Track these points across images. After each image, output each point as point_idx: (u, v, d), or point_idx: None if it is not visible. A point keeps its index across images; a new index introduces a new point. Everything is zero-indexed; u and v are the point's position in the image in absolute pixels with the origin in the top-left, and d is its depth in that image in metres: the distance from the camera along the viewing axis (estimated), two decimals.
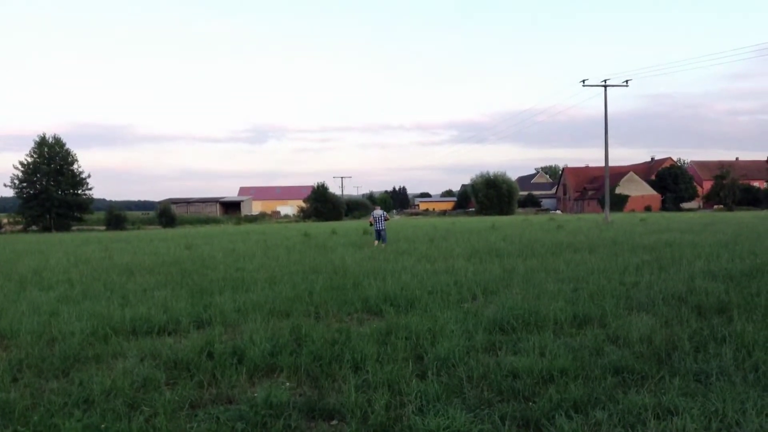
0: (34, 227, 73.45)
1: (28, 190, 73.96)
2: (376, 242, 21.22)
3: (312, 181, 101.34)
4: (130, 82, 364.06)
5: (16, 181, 74.22)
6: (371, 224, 22.28)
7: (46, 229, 71.92)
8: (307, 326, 7.43)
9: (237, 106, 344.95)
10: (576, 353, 6.00)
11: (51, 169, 74.03)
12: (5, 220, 75.48)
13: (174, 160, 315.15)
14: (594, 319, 7.54)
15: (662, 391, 4.94)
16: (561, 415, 4.47)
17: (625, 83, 46.34)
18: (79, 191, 77.01)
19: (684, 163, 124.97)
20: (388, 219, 22.27)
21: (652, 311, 7.99)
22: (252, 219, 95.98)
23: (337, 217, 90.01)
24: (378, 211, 21.92)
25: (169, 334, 7.66)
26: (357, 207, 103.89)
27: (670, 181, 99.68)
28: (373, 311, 8.78)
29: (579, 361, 5.73)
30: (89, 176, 77.86)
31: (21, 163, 73.90)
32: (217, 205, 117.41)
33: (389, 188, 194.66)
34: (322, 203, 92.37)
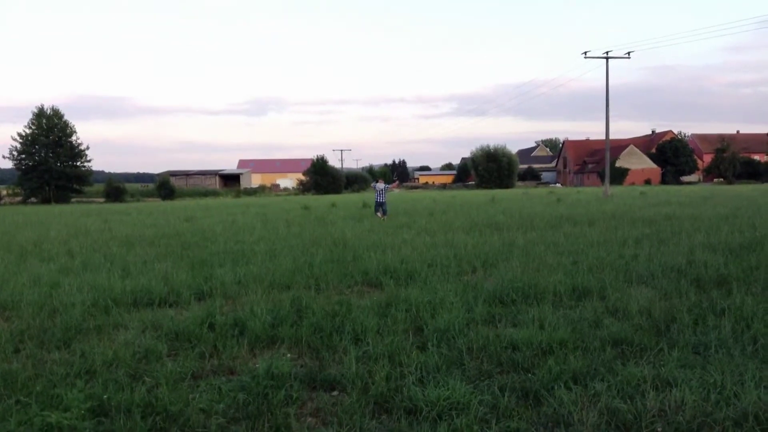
0: (33, 199, 73.45)
1: (26, 162, 73.80)
2: (378, 214, 21.23)
3: (311, 154, 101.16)
4: (129, 53, 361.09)
5: (15, 153, 74.03)
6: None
7: (46, 200, 71.89)
8: (308, 298, 7.46)
9: (236, 79, 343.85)
10: (575, 325, 6.03)
11: (50, 141, 73.78)
12: (4, 192, 75.54)
13: (173, 132, 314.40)
14: (593, 291, 7.56)
15: (661, 363, 4.97)
16: (560, 386, 4.50)
17: (626, 55, 45.88)
18: (78, 163, 76.85)
19: (685, 136, 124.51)
20: (391, 189, 22.46)
21: (652, 284, 8.02)
22: (251, 192, 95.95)
23: (337, 191, 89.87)
24: (380, 185, 22.03)
25: (170, 305, 7.68)
26: (356, 180, 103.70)
27: (671, 154, 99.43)
28: (373, 284, 8.80)
29: (578, 333, 5.76)
30: (88, 148, 77.73)
31: (19, 135, 73.64)
32: (217, 177, 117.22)
33: (389, 161, 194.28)
34: (321, 176, 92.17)
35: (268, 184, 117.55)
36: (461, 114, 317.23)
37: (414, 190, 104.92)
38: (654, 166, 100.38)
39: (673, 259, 9.69)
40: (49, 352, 5.77)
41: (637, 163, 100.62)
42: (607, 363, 5.01)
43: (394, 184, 23.66)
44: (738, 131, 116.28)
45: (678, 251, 10.65)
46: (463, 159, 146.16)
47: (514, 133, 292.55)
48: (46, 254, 13.06)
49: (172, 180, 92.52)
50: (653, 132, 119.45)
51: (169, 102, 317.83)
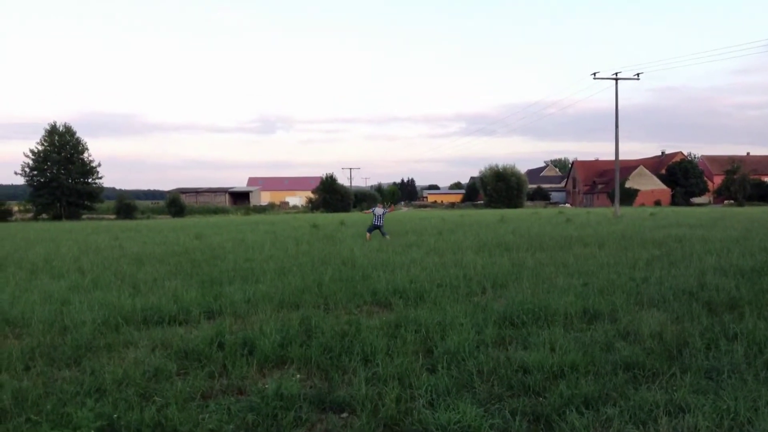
0: (44, 215, 73.90)
1: (38, 178, 74.35)
2: (369, 235, 21.25)
3: (320, 172, 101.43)
4: (140, 71, 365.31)
5: (27, 169, 74.60)
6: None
7: (57, 217, 72.33)
8: (317, 318, 7.44)
9: (245, 97, 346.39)
10: (586, 348, 5.98)
11: (61, 158, 74.39)
12: (16, 208, 75.96)
13: (183, 149, 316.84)
14: (604, 314, 7.51)
15: (673, 387, 4.92)
16: (572, 410, 4.47)
17: (636, 76, 45.96)
18: (90, 180, 77.39)
19: (694, 157, 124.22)
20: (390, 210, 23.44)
21: (663, 307, 7.96)
22: (261, 209, 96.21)
23: (346, 209, 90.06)
24: (379, 209, 22.54)
25: (180, 324, 7.69)
26: (365, 198, 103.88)
27: (681, 175, 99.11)
28: (382, 303, 8.78)
29: (590, 356, 5.71)
30: (99, 165, 78.33)
31: (32, 151, 74.28)
32: (226, 195, 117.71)
33: (397, 180, 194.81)
34: (330, 194, 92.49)
35: (278, 202, 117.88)
36: (469, 133, 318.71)
37: (423, 208, 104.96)
38: (664, 187, 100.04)
39: (685, 282, 9.62)
40: (60, 370, 5.79)
41: (647, 184, 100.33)
42: (619, 387, 4.96)
43: (390, 209, 24.07)
44: (748, 153, 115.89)
45: (689, 274, 10.57)
46: (472, 178, 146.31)
47: (522, 153, 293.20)
48: (56, 271, 13.12)
49: (182, 197, 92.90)
50: (663, 153, 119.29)
51: (179, 119, 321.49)
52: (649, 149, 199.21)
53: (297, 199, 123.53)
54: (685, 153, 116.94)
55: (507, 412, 4.52)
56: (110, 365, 5.72)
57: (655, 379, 5.17)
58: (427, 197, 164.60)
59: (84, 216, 75.82)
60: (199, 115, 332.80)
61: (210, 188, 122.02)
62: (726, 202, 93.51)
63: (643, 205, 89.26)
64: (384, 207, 23.25)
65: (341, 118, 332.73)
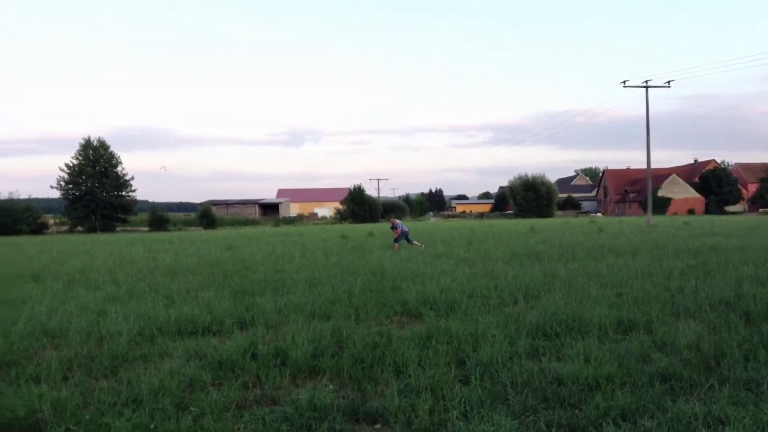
0: (79, 228, 75.39)
1: (73, 191, 75.98)
2: (396, 245, 21.38)
3: (348, 183, 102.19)
4: (171, 87, 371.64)
5: (62, 183, 76.29)
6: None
7: (92, 230, 73.74)
8: (348, 329, 7.45)
9: (273, 110, 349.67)
10: (622, 360, 5.90)
11: (96, 172, 75.93)
12: (52, 221, 77.57)
13: (213, 162, 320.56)
14: (639, 325, 7.39)
15: (712, 399, 4.83)
16: (608, 423, 4.40)
17: (666, 84, 45.38)
18: (123, 193, 78.82)
19: (728, 165, 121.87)
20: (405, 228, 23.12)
21: (699, 317, 7.81)
22: (290, 221, 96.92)
23: (374, 219, 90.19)
24: (399, 222, 22.97)
25: (214, 334, 7.77)
26: (393, 209, 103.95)
27: (714, 183, 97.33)
28: (412, 314, 8.77)
29: (625, 367, 5.63)
30: (133, 178, 79.82)
31: (67, 166, 75.95)
32: (256, 206, 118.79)
33: (425, 190, 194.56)
34: (358, 205, 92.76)
35: (306, 213, 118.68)
36: (497, 143, 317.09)
37: (451, 218, 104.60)
38: (697, 195, 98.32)
39: (721, 292, 9.43)
40: (97, 380, 5.89)
41: (680, 192, 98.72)
42: (656, 399, 4.89)
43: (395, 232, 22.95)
44: None
45: (725, 284, 10.36)
46: (500, 188, 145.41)
47: (551, 162, 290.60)
48: (92, 283, 13.36)
49: (214, 209, 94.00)
50: (695, 161, 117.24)
51: (210, 133, 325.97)
52: (681, 157, 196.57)
53: (325, 210, 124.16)
54: (718, 161, 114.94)
55: (542, 424, 4.47)
56: (146, 375, 5.80)
57: (693, 390, 5.08)
58: (455, 207, 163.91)
59: (118, 228, 77.18)
60: (229, 129, 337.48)
61: (240, 200, 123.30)
62: (761, 210, 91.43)
63: (676, 213, 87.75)
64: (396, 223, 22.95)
65: (368, 129, 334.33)
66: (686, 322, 7.58)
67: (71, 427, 4.66)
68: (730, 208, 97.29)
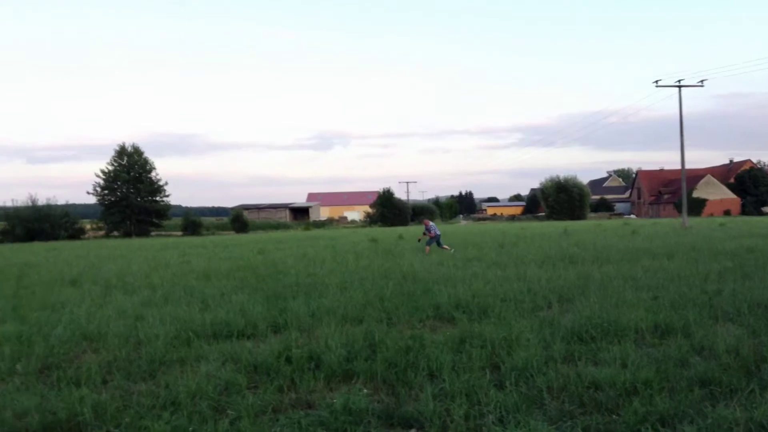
0: (115, 233, 76.64)
1: (109, 197, 77.24)
2: (428, 248, 21.41)
3: (377, 187, 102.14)
4: (203, 93, 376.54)
5: (98, 189, 77.69)
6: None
7: (127, 234, 74.94)
8: (380, 332, 7.45)
9: (302, 114, 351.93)
10: (660, 364, 5.80)
11: (131, 177, 77.14)
12: (88, 226, 79.03)
13: (244, 166, 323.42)
14: (677, 328, 7.26)
15: (753, 405, 4.72)
16: (647, 428, 4.34)
17: (700, 83, 44.47)
18: (157, 198, 79.95)
19: (764, 165, 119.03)
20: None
21: (738, 321, 7.65)
22: (320, 224, 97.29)
23: (403, 222, 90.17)
24: (432, 224, 22.80)
25: (248, 338, 7.85)
26: (423, 212, 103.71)
27: (750, 184, 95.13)
28: (445, 318, 8.74)
29: (663, 372, 5.54)
30: (166, 183, 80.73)
31: (102, 172, 77.28)
32: (287, 210, 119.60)
33: (455, 192, 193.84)
34: (388, 208, 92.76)
35: (336, 217, 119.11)
36: (527, 144, 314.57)
37: (482, 221, 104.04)
38: (733, 196, 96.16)
39: (760, 295, 9.22)
40: (136, 384, 5.99)
41: (715, 193, 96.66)
42: (695, 404, 4.79)
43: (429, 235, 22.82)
44: None
45: (764, 286, 10.13)
46: (532, 190, 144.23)
47: (583, 164, 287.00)
48: (129, 287, 13.61)
49: (245, 213, 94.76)
50: (731, 161, 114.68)
51: (241, 138, 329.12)
52: (716, 157, 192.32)
53: (355, 213, 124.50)
54: (754, 161, 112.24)
55: (580, 429, 4.43)
56: (183, 379, 5.88)
57: (733, 395, 4.97)
58: (486, 210, 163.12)
59: (153, 233, 78.26)
60: (259, 134, 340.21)
61: (271, 204, 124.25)
62: None
63: (711, 215, 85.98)
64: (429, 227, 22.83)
65: (397, 133, 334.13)
66: (725, 325, 7.43)
67: (111, 429, 4.75)
68: (767, 209, 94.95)
